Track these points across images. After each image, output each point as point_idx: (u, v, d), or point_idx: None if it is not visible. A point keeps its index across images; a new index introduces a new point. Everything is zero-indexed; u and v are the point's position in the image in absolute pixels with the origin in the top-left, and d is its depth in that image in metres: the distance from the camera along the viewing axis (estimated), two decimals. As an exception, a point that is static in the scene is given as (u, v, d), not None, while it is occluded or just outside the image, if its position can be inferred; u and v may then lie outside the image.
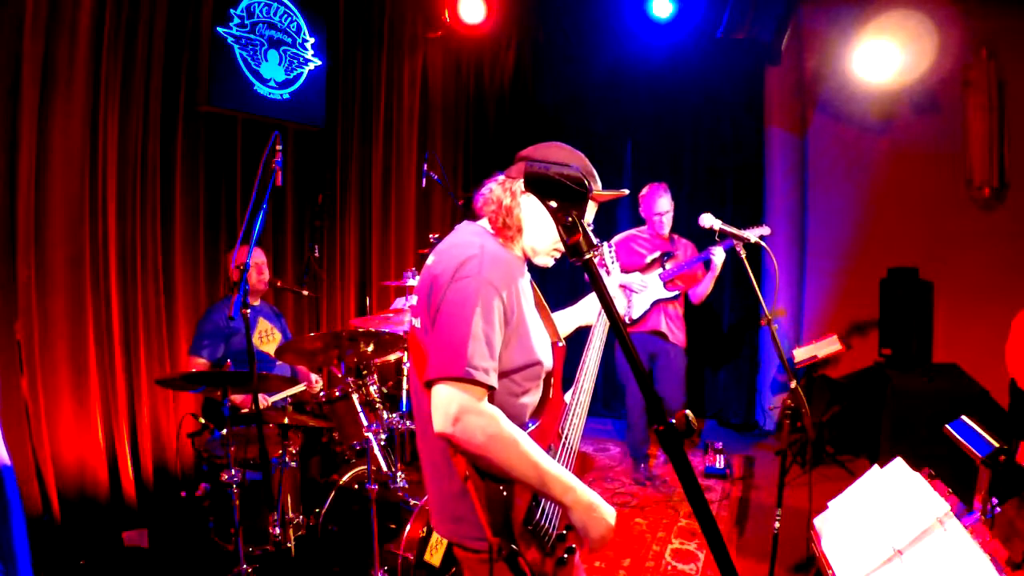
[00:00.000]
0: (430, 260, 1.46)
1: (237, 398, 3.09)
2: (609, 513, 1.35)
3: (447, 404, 1.24)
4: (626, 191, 1.54)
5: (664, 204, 4.26)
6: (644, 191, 4.40)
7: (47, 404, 3.08)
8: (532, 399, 1.46)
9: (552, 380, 1.51)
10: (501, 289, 1.33)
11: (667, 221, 4.28)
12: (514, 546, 1.32)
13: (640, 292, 4.28)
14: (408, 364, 3.69)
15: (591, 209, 1.51)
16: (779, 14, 4.62)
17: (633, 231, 4.52)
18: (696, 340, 5.80)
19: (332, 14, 4.66)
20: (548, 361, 1.47)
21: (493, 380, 1.28)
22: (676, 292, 4.31)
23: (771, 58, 5.26)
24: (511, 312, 1.36)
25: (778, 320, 5.46)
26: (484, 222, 1.51)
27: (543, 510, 1.40)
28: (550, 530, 1.41)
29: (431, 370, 1.28)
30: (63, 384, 3.16)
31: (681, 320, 4.42)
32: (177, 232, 3.76)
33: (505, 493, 1.32)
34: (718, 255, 4.05)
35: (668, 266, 4.28)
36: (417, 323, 1.45)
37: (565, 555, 1.45)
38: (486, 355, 1.27)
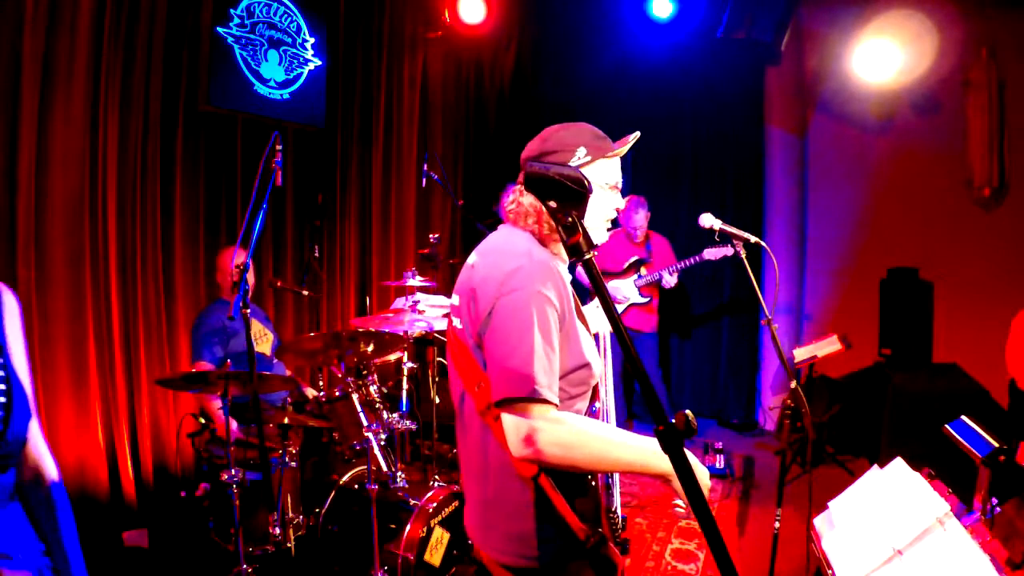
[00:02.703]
0: (473, 258, 1.43)
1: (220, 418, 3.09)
2: (704, 473, 1.31)
3: (517, 428, 1.23)
4: (637, 133, 1.54)
5: (639, 220, 4.70)
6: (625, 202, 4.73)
7: (47, 404, 3.08)
8: (584, 403, 1.44)
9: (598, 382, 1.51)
10: (553, 298, 1.31)
11: (638, 234, 4.73)
12: (602, 534, 1.32)
13: (623, 303, 4.69)
14: (408, 364, 3.70)
15: (615, 165, 1.51)
16: (779, 14, 4.62)
17: (611, 232, 4.77)
18: (696, 340, 5.85)
19: (332, 14, 4.66)
20: (597, 363, 1.45)
21: (555, 395, 1.27)
22: (649, 298, 4.71)
23: (771, 58, 5.26)
24: (562, 318, 1.34)
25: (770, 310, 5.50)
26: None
27: (613, 495, 1.40)
28: (618, 516, 1.42)
29: (497, 391, 1.26)
30: (63, 384, 3.16)
31: (653, 314, 4.82)
32: (177, 232, 3.76)
33: (593, 483, 1.32)
34: (666, 280, 4.54)
35: (643, 272, 4.66)
36: (458, 323, 1.42)
37: (625, 544, 1.46)
38: (549, 370, 1.26)
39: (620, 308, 4.69)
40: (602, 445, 1.24)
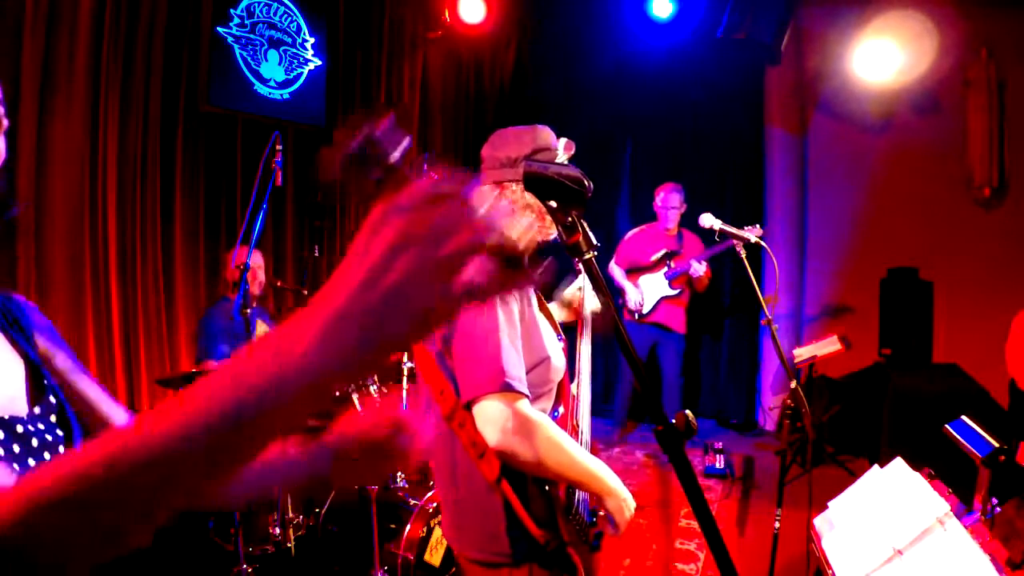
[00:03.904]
0: None
1: None
2: (631, 499, 1.41)
3: (502, 419, 1.23)
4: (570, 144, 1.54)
5: (674, 200, 4.71)
6: (661, 187, 4.83)
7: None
8: (547, 403, 1.47)
9: (562, 376, 1.52)
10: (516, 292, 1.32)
11: (672, 216, 4.72)
12: (561, 537, 1.35)
13: (638, 309, 4.69)
14: (408, 364, 3.70)
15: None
16: (779, 14, 4.62)
17: (644, 227, 4.92)
18: (696, 340, 5.84)
19: (332, 14, 4.66)
20: (558, 358, 1.47)
21: (527, 388, 1.28)
22: (680, 290, 4.69)
23: (771, 58, 5.25)
24: (522, 313, 1.36)
25: (770, 307, 5.49)
26: None
27: (578, 499, 1.43)
28: (584, 518, 1.44)
29: (469, 389, 1.26)
30: (63, 384, 3.16)
31: (682, 310, 4.80)
32: (177, 232, 3.76)
33: (548, 488, 1.35)
34: (694, 269, 4.53)
35: (672, 265, 4.66)
36: None
37: (595, 541, 1.49)
38: (518, 364, 1.27)
39: (654, 300, 4.70)
40: (569, 457, 1.29)
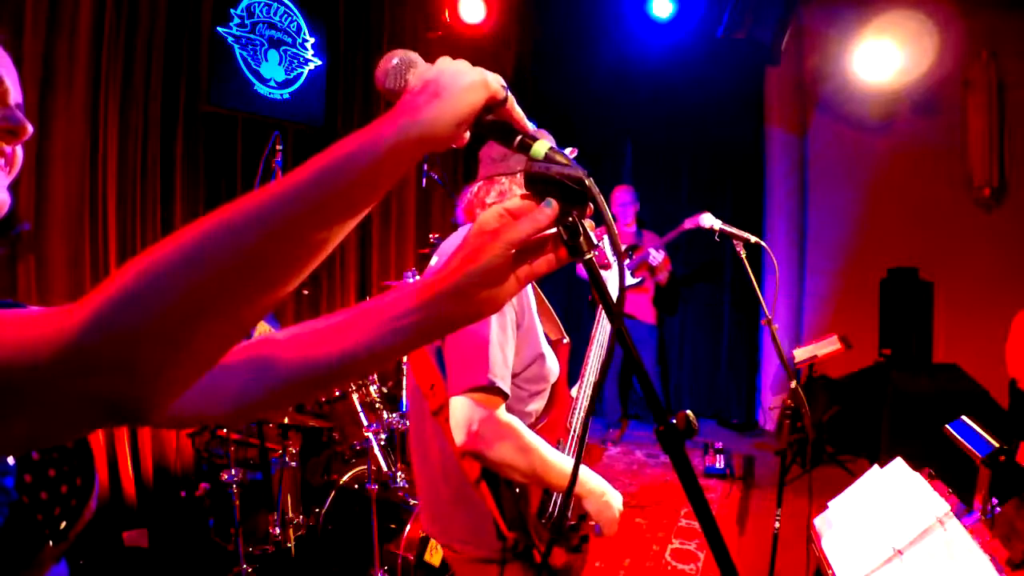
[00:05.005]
0: (434, 261, 1.48)
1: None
2: (616, 497, 1.39)
3: (468, 418, 1.24)
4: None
5: (623, 197, 5.02)
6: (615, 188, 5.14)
7: (47, 404, 3.07)
8: (541, 401, 1.47)
9: (558, 377, 1.52)
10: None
11: (628, 212, 5.07)
12: (529, 539, 1.36)
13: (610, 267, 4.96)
14: (407, 364, 3.71)
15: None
16: (779, 14, 4.62)
17: (604, 227, 5.06)
18: (696, 339, 5.85)
19: (332, 14, 4.66)
20: (552, 358, 1.47)
21: (508, 388, 1.29)
22: (642, 278, 5.00)
23: (771, 58, 5.25)
24: (521, 316, 1.36)
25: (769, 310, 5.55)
26: None
27: (555, 501, 1.42)
28: (563, 520, 1.44)
29: (455, 384, 1.27)
30: (63, 384, 3.15)
31: (648, 300, 5.10)
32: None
33: (518, 491, 1.35)
34: (652, 256, 4.79)
35: (633, 256, 4.96)
36: None
37: (579, 544, 1.49)
38: (502, 363, 1.28)
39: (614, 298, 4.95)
40: (540, 461, 1.28)
